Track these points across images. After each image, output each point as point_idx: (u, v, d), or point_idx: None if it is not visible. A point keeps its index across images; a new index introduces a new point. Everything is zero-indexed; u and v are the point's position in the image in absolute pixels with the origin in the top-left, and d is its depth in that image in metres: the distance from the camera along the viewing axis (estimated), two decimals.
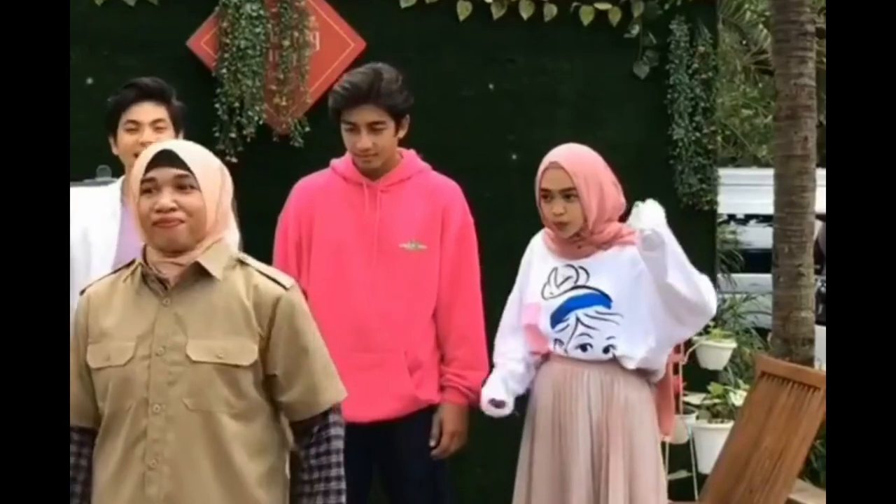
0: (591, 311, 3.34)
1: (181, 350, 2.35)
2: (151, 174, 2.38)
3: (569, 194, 3.32)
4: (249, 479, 2.38)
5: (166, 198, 2.35)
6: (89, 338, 2.41)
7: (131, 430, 2.35)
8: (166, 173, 2.37)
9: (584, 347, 3.35)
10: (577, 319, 3.34)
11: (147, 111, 3.29)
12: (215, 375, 2.34)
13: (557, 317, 3.36)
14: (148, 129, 3.27)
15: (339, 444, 2.48)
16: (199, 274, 2.39)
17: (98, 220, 3.28)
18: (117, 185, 3.42)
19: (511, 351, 3.45)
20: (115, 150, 3.36)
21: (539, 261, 3.46)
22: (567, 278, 3.39)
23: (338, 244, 3.35)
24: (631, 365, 3.34)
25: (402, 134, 3.44)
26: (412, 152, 3.51)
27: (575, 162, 3.35)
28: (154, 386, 2.34)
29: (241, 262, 2.46)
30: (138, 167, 2.42)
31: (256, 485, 2.39)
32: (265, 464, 2.42)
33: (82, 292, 2.48)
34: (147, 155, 2.41)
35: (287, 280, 2.48)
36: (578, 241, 3.39)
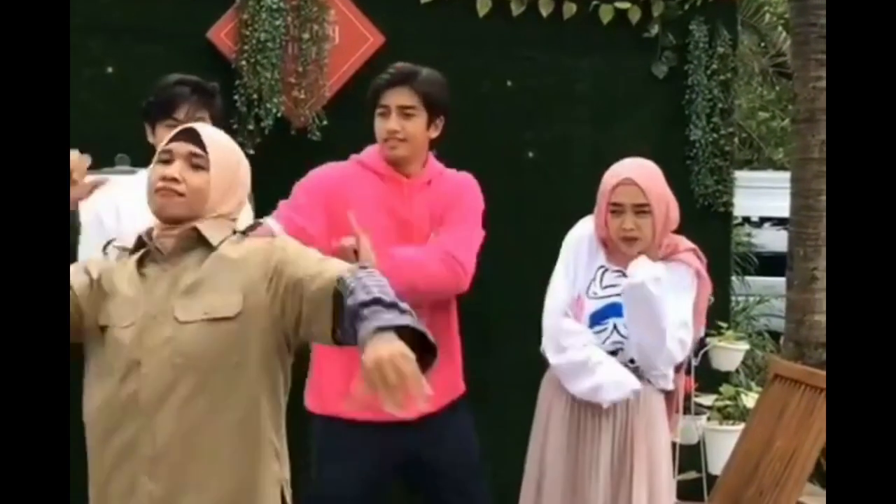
0: None
1: (171, 312, 2.37)
2: (170, 146, 2.47)
3: (641, 210, 3.35)
4: (257, 427, 2.38)
5: (174, 169, 2.43)
6: (105, 291, 2.43)
7: (121, 389, 2.35)
8: (183, 147, 2.45)
9: (615, 353, 3.41)
10: (615, 327, 3.40)
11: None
12: (204, 332, 2.35)
13: (596, 318, 3.41)
14: None
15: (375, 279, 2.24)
16: (198, 243, 2.44)
17: (130, 201, 3.29)
18: (145, 172, 3.45)
19: (584, 331, 3.40)
20: (150, 139, 3.38)
21: (588, 255, 3.46)
22: (613, 284, 3.41)
23: (373, 238, 3.28)
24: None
25: (433, 134, 3.42)
26: (431, 155, 3.50)
27: (648, 178, 3.40)
28: (146, 348, 2.35)
29: (242, 234, 2.50)
30: (163, 141, 2.51)
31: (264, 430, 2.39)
32: (275, 407, 2.41)
33: (105, 257, 2.53)
34: (175, 130, 2.51)
35: (275, 226, 2.47)
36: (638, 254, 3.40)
